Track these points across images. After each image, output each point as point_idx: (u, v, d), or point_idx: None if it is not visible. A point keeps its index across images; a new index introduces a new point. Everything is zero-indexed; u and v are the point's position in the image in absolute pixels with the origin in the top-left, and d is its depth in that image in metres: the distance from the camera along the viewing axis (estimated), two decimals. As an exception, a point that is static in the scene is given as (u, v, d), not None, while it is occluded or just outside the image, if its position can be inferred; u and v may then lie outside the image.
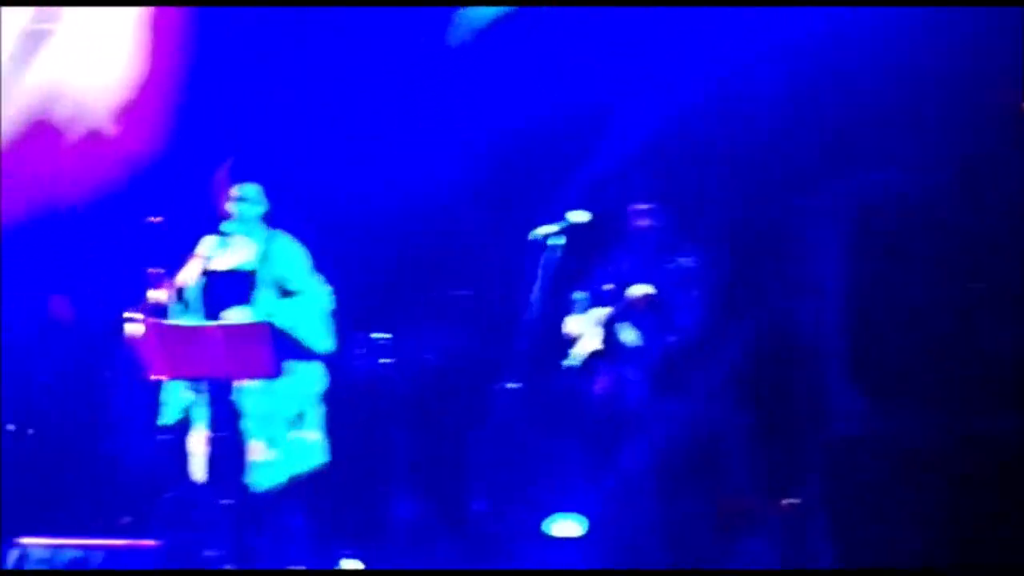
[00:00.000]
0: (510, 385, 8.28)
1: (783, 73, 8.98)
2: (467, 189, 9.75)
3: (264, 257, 8.20)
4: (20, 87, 9.78)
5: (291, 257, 8.26)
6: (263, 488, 7.96)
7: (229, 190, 8.22)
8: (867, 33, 8.67)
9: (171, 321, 7.83)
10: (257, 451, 7.97)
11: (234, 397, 7.97)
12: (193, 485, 7.92)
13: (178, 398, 8.02)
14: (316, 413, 8.16)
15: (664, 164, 9.11)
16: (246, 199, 8.22)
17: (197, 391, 7.93)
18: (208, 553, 7.70)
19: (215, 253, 8.14)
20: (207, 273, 8.06)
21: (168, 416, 8.06)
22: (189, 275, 8.03)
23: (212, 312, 7.99)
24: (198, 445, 7.94)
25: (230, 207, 8.20)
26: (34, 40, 9.84)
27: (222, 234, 8.17)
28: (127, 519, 8.82)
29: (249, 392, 8.00)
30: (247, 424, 8.00)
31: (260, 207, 8.27)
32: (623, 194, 8.74)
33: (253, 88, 9.81)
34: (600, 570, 8.34)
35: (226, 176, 8.26)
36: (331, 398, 8.28)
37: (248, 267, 8.18)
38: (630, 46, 9.38)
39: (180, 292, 7.96)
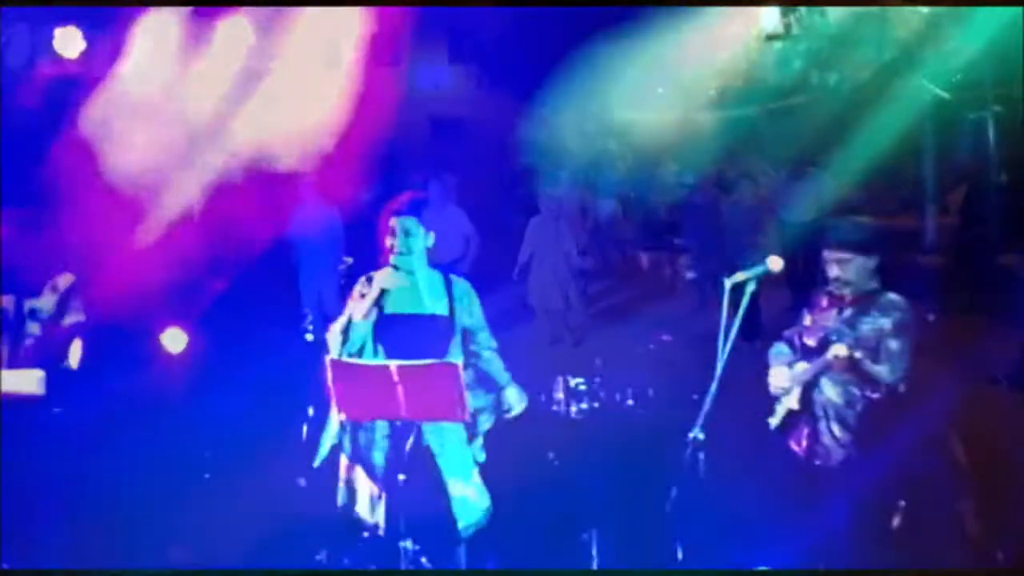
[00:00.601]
0: (701, 435, 8.04)
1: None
2: (665, 231, 9.68)
3: (455, 304, 8.04)
4: (235, 124, 9.99)
5: (475, 307, 8.13)
6: (462, 527, 7.92)
7: (390, 223, 7.99)
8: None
9: (355, 360, 7.82)
10: (457, 488, 7.92)
11: (425, 436, 7.91)
12: (377, 524, 7.91)
13: (333, 435, 8.03)
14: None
15: (866, 212, 8.89)
16: (409, 232, 7.97)
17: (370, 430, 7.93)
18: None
19: (391, 287, 7.92)
20: (383, 312, 7.93)
21: (323, 453, 8.05)
22: (361, 311, 7.91)
23: (396, 353, 7.81)
24: (365, 483, 7.95)
25: (392, 242, 7.97)
26: (250, 79, 10.03)
27: (398, 270, 7.95)
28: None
29: (440, 430, 7.93)
30: (440, 462, 7.91)
31: (424, 240, 8.02)
32: (822, 241, 8.47)
33: (452, 118, 9.86)
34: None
35: (395, 210, 8.05)
36: (529, 441, 8.25)
37: (440, 312, 8.02)
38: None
39: (350, 328, 7.89)
